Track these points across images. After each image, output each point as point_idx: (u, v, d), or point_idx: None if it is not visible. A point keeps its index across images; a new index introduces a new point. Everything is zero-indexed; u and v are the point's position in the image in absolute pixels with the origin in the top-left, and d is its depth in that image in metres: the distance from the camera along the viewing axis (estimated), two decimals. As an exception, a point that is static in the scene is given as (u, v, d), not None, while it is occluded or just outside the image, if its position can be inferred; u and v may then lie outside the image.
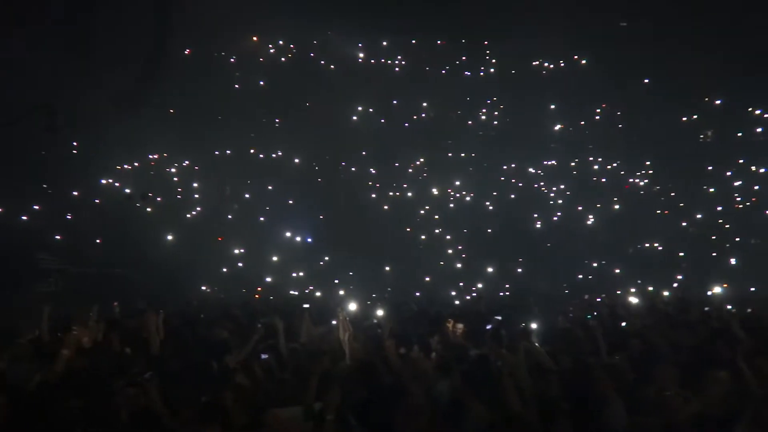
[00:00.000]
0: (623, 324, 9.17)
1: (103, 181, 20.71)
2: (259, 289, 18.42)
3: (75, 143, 19.41)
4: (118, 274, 17.74)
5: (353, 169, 23.63)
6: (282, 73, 23.06)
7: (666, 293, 16.34)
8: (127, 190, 20.29)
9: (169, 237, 19.58)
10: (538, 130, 23.56)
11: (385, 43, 23.86)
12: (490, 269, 20.85)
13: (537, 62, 24.08)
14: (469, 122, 24.29)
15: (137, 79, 18.70)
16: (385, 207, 23.21)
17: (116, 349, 6.97)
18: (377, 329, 8.03)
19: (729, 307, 11.55)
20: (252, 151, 22.93)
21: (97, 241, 19.39)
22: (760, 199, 22.84)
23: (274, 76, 22.96)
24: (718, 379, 4.84)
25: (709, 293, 15.40)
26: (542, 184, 24.35)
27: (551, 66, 24.14)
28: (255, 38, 23.42)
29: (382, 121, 23.61)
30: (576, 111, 23.82)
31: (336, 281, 19.02)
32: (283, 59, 23.76)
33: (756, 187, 23.03)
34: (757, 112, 22.98)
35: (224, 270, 19.95)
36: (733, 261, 21.18)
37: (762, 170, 23.17)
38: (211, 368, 6.08)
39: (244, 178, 22.83)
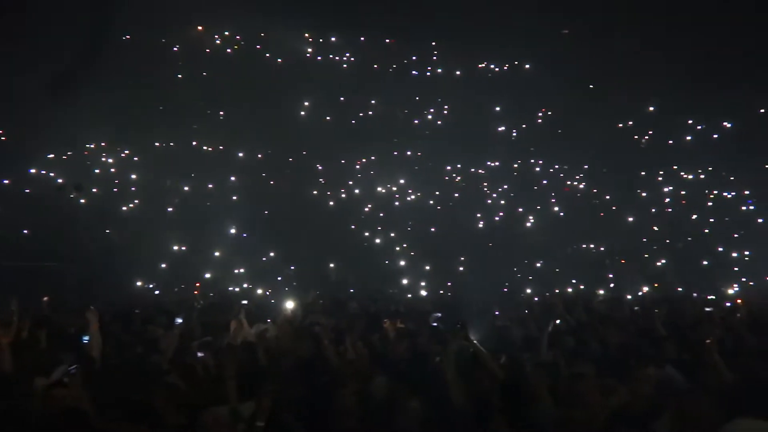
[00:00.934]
0: (557, 321, 9.46)
1: (33, 171, 19.77)
2: (198, 285, 18.00)
3: (4, 129, 18.44)
4: (48, 268, 16.94)
5: (299, 165, 23.44)
6: (228, 65, 22.60)
7: (601, 292, 17.03)
8: (60, 180, 19.43)
9: (104, 230, 18.86)
10: (482, 132, 24.00)
11: (333, 39, 23.77)
12: (433, 268, 21.11)
13: (483, 65, 24.53)
14: (416, 121, 24.52)
15: (73, 64, 17.91)
16: (331, 203, 23.18)
17: (42, 346, 6.67)
18: (317, 327, 7.99)
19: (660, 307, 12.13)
20: (194, 143, 22.40)
21: (26, 232, 18.47)
22: (688, 204, 24.11)
23: (219, 67, 22.46)
24: (644, 376, 5.06)
25: (640, 293, 16.12)
26: (485, 184, 24.84)
27: (496, 69, 24.65)
28: (200, 27, 22.86)
29: (328, 118, 23.49)
30: (519, 114, 24.41)
31: (278, 278, 18.83)
32: (228, 50, 23.31)
33: (683, 192, 24.32)
34: (690, 121, 24.20)
35: (162, 265, 19.39)
36: (662, 262, 22.29)
37: (690, 176, 24.48)
38: (144, 366, 5.91)
39: (186, 171, 22.23)
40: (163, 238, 19.66)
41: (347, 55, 23.99)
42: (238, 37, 23.37)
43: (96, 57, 18.35)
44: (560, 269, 21.42)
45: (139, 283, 18.09)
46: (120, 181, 21.54)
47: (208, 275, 19.44)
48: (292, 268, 19.80)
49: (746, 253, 22.18)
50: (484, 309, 10.81)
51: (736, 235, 22.82)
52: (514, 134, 24.73)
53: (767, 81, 20.85)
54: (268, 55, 23.39)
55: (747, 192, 23.67)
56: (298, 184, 23.06)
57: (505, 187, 24.68)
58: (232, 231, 20.74)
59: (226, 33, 23.20)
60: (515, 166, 24.86)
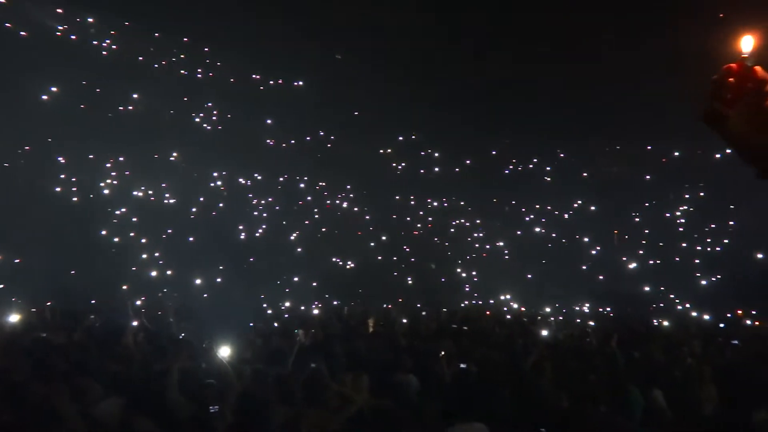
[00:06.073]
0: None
1: None
2: None
3: None
4: None
5: (39, 155, 20.46)
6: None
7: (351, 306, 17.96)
8: None
9: None
10: (251, 142, 23.78)
11: (91, 20, 21.34)
12: (190, 278, 20.07)
13: (257, 76, 24.35)
14: (182, 123, 23.24)
15: None
16: (75, 199, 20.68)
17: None
18: (41, 344, 6.97)
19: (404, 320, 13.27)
20: None
21: None
22: (435, 228, 27.01)
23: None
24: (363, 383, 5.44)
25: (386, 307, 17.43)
26: (251, 195, 24.63)
27: (270, 82, 24.69)
28: None
29: (82, 106, 20.96)
30: (289, 129, 24.77)
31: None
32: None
33: (430, 218, 27.20)
34: (436, 155, 27.21)
35: None
36: (408, 280, 24.51)
37: (435, 203, 27.49)
38: None
39: None
40: None
41: (108, 41, 21.75)
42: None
43: None
44: (318, 283, 22.13)
45: None
46: None
47: None
48: (18, 276, 17.02)
49: (473, 273, 25.63)
50: (240, 321, 10.59)
51: (468, 258, 26.21)
52: (283, 148, 25.00)
53: (500, 127, 24.58)
54: (8, 24, 20.01)
55: (478, 221, 27.40)
56: (35, 177, 20.09)
57: (270, 200, 24.77)
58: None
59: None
60: (281, 180, 25.12)
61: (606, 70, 18.49)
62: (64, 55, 20.38)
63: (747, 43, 1.03)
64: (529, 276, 24.12)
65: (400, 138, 26.37)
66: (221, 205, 23.71)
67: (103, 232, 20.87)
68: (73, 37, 20.98)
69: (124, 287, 18.94)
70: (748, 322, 17.21)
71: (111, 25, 21.67)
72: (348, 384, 5.25)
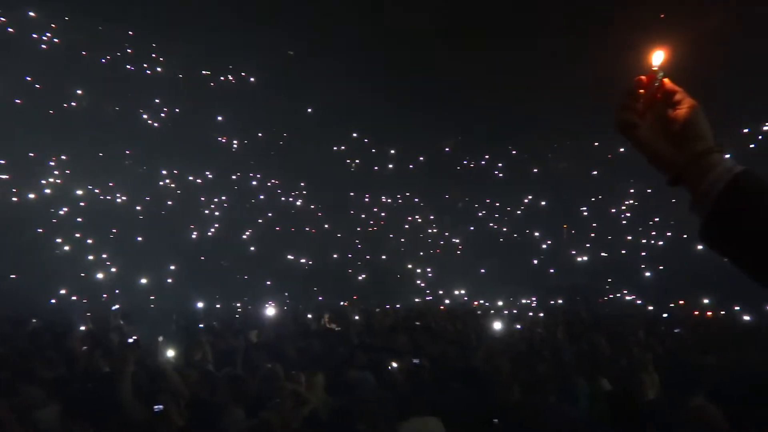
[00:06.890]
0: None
1: None
2: None
3: None
4: None
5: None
6: None
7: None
8: None
9: None
10: (201, 140, 23.25)
11: (32, 14, 20.43)
12: (137, 278, 19.51)
13: (207, 72, 23.84)
14: (128, 120, 22.51)
15: None
16: (14, 200, 19.80)
17: None
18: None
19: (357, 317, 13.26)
20: None
21: None
22: (387, 224, 27.07)
23: None
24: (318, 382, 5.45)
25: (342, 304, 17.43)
26: (201, 194, 24.12)
27: (221, 78, 24.21)
28: None
29: (18, 101, 20.02)
30: (241, 126, 24.35)
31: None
32: None
33: (383, 214, 27.26)
34: (392, 151, 27.27)
35: None
36: (362, 277, 24.53)
37: (389, 200, 27.56)
38: None
39: None
40: None
41: (48, 34, 20.85)
42: None
43: None
44: (271, 282, 21.87)
45: None
46: None
47: None
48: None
49: (428, 269, 25.86)
50: (189, 322, 10.39)
51: (421, 254, 26.42)
52: (235, 146, 24.57)
53: (452, 124, 24.85)
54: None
55: (432, 217, 27.63)
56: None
57: (222, 198, 24.33)
58: None
59: None
60: (233, 178, 24.68)
61: (555, 69, 18.98)
62: (1, 49, 19.46)
63: (657, 57, 1.09)
64: (482, 270, 24.50)
65: (354, 135, 26.33)
66: (170, 203, 23.10)
67: (40, 231, 20.03)
68: (10, 30, 20.08)
69: (65, 291, 18.34)
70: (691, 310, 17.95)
71: (52, 18, 20.84)
72: (303, 383, 5.23)
